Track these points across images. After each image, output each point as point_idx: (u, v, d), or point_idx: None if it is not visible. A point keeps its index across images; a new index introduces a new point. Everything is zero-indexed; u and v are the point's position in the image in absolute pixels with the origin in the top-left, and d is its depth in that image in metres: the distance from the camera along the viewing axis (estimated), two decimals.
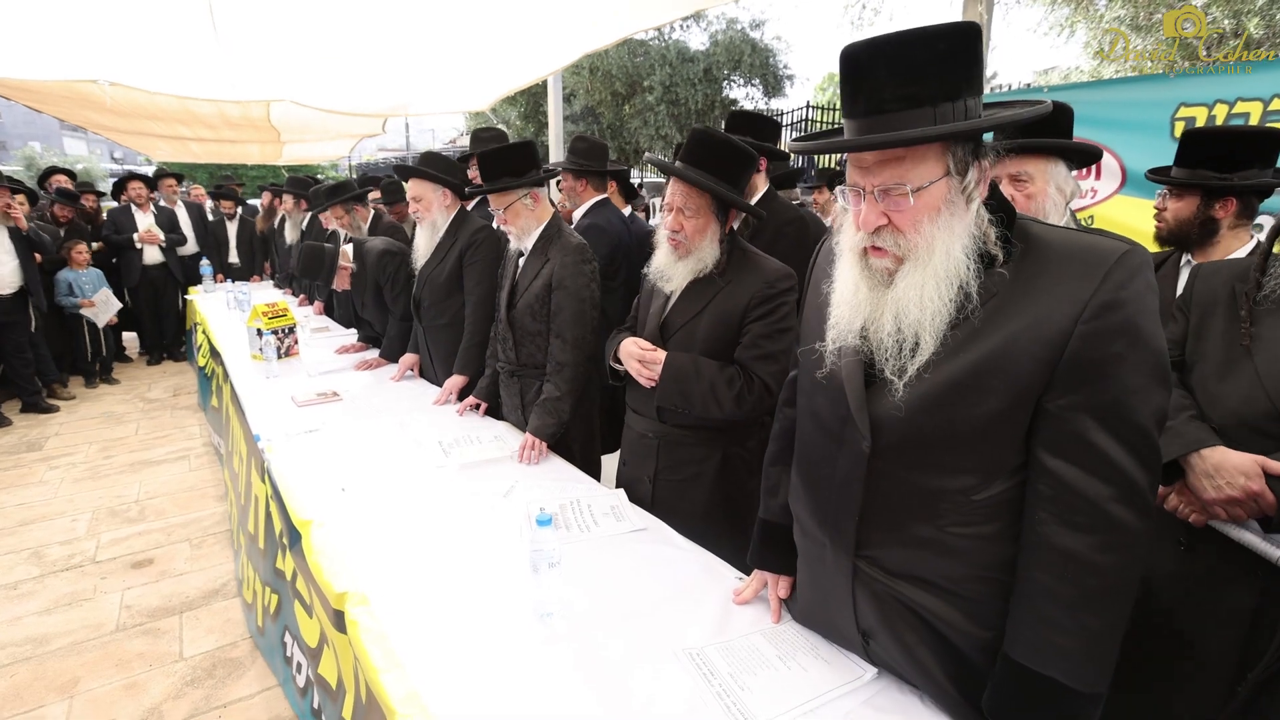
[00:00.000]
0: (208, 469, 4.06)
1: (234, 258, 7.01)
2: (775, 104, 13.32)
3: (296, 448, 2.27)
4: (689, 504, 1.92)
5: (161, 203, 6.84)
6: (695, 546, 1.69)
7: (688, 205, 1.78)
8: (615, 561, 1.61)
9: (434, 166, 2.80)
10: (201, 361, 4.72)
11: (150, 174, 7.15)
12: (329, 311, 4.93)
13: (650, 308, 1.97)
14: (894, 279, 1.03)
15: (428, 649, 1.30)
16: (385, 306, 3.44)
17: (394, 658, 1.27)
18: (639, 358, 1.86)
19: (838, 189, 1.10)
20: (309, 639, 1.78)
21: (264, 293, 5.88)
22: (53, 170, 6.66)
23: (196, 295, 5.89)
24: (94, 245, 6.00)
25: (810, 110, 12.56)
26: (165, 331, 6.74)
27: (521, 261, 2.40)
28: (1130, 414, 0.93)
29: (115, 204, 6.93)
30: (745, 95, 13.14)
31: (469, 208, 3.08)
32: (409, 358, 3.16)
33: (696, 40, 12.94)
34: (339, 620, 1.45)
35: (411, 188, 2.79)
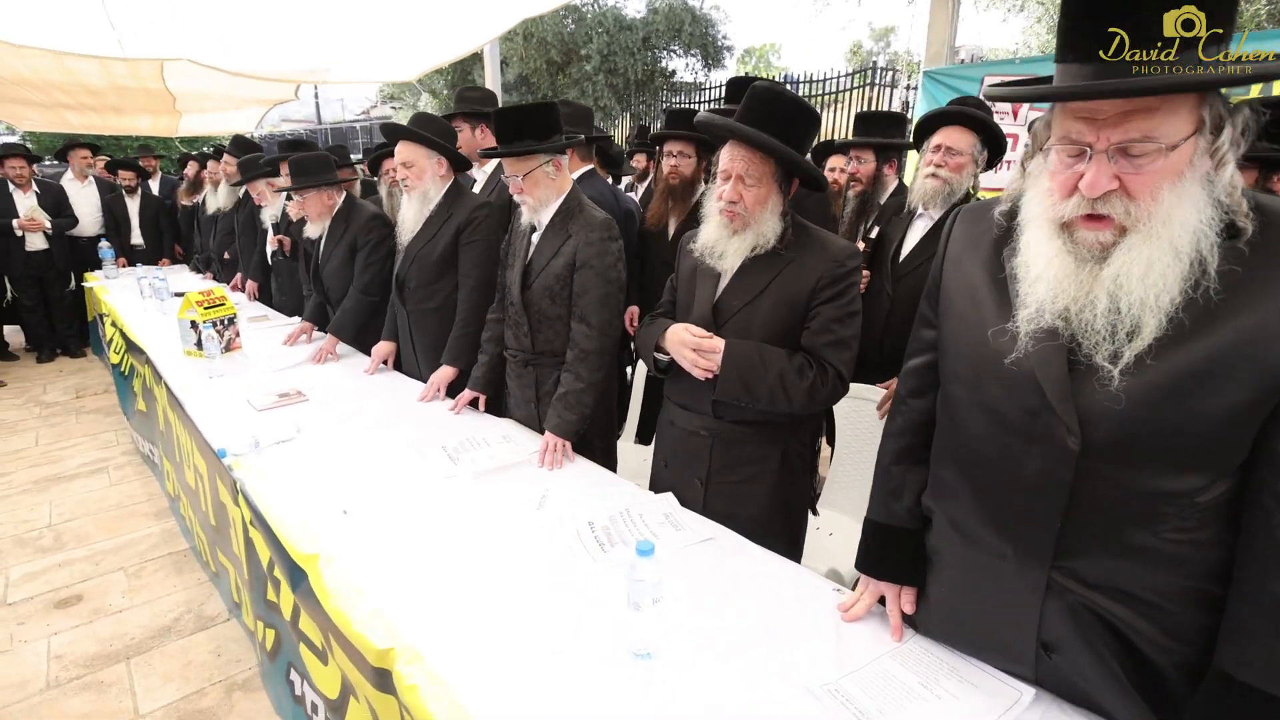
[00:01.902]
0: (136, 481, 3.55)
1: (137, 239, 6.21)
2: (715, 76, 13.14)
3: (271, 462, 1.92)
4: (748, 508, 1.73)
5: (66, 177, 5.94)
6: (774, 555, 1.51)
7: (750, 172, 1.57)
8: (693, 580, 1.41)
9: (428, 130, 2.44)
10: (115, 358, 4.12)
11: (23, 144, 6.18)
12: (264, 296, 4.42)
13: (698, 289, 1.74)
14: (1109, 253, 0.86)
15: (506, 706, 1.07)
16: (350, 273, 3.07)
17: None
18: (693, 346, 1.64)
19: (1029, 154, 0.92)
20: (325, 688, 1.48)
21: (181, 278, 5.23)
22: None
23: (97, 282, 5.17)
24: None
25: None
26: (56, 325, 5.91)
27: (536, 238, 2.11)
28: None
29: None
30: (685, 66, 12.88)
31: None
32: (383, 347, 2.80)
33: (633, 7, 12.53)
34: (383, 680, 1.18)
35: (402, 152, 2.43)
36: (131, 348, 3.54)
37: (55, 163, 7.00)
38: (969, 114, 2.19)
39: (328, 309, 3.27)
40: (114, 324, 4.12)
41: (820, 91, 9.33)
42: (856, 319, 1.60)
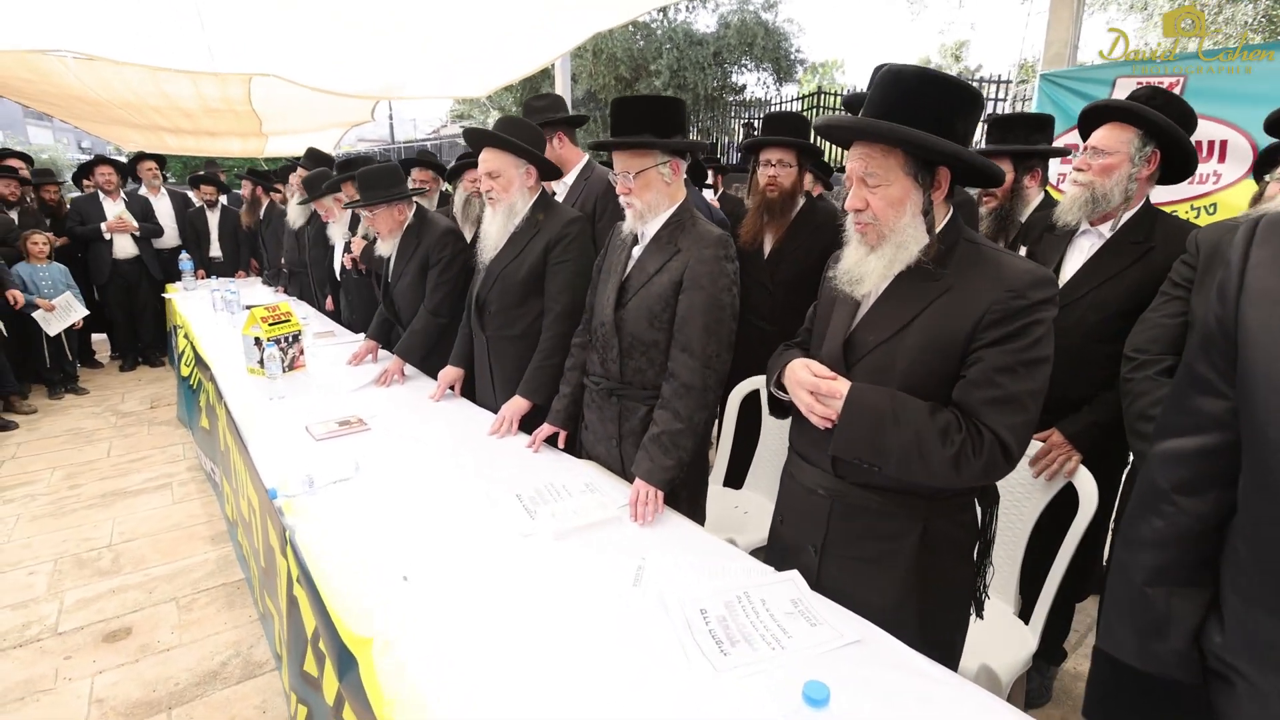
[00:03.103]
0: (196, 500, 3.44)
1: (216, 251, 6.31)
2: (787, 90, 12.77)
3: (326, 506, 1.68)
4: (871, 593, 1.36)
5: (141, 190, 6.12)
6: (951, 675, 1.15)
7: (871, 170, 1.24)
8: (851, 711, 1.06)
9: (517, 134, 2.21)
10: (185, 371, 4.08)
11: (123, 160, 6.40)
12: (335, 313, 4.32)
13: (833, 318, 1.41)
14: None
15: None
16: (423, 291, 2.87)
17: None
18: (810, 387, 1.30)
19: None
20: None
21: (253, 291, 5.24)
22: (3, 153, 5.89)
23: (176, 294, 5.23)
24: (56, 241, 5.28)
25: (823, 96, 12.03)
26: (141, 333, 6.04)
27: (638, 251, 1.83)
28: None
29: (79, 193, 6.22)
30: (756, 80, 12.56)
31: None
32: (450, 372, 2.57)
33: (703, 22, 12.33)
34: None
35: (487, 160, 2.19)
36: (199, 361, 3.45)
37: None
38: (1125, 107, 1.79)
39: (397, 327, 3.09)
40: (186, 335, 4.09)
41: None
42: (1038, 371, 1.20)
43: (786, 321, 2.57)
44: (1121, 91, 4.00)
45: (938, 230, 1.27)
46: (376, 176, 2.81)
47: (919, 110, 1.19)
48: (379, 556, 1.47)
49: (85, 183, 6.07)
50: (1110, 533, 1.99)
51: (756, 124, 12.81)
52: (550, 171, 2.35)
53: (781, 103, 11.33)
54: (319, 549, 1.50)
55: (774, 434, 2.50)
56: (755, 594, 1.34)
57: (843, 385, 1.28)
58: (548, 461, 1.99)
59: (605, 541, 1.56)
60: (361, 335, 3.66)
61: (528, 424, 2.19)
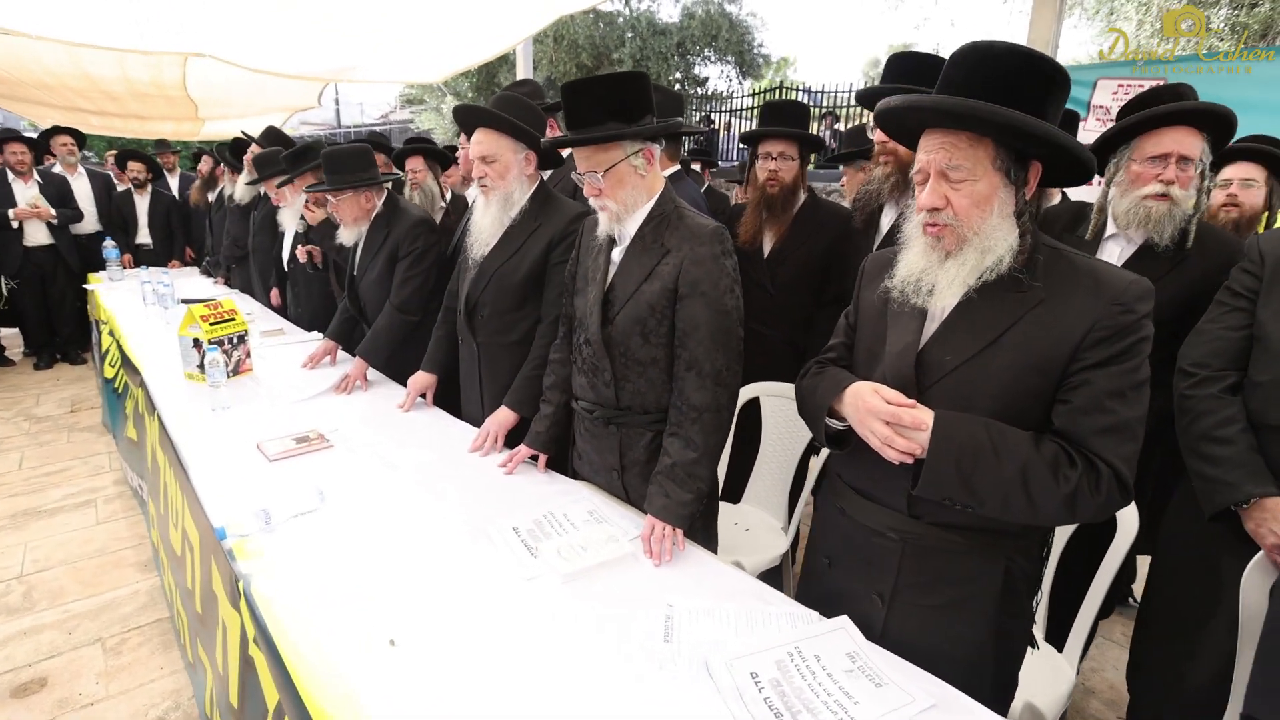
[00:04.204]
0: (122, 519, 3.07)
1: (144, 238, 5.78)
2: (749, 84, 12.67)
3: (287, 548, 1.43)
4: (944, 642, 1.21)
5: (56, 168, 5.52)
6: None
7: (955, 162, 1.08)
8: None
9: (517, 115, 1.95)
10: (110, 372, 3.66)
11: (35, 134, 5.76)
12: (281, 307, 3.95)
13: (890, 333, 1.24)
14: None
15: None
16: (388, 287, 2.60)
17: None
18: (888, 417, 1.12)
19: None
20: None
21: (189, 282, 4.79)
22: None
23: (99, 284, 4.74)
24: None
25: (784, 92, 12.01)
26: (58, 328, 5.48)
27: (618, 254, 1.61)
28: None
29: None
30: (720, 73, 12.42)
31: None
32: (422, 379, 2.31)
33: (665, 12, 12.11)
34: None
35: (482, 142, 1.92)
36: (127, 363, 3.07)
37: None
38: (1205, 111, 1.67)
39: (363, 326, 2.80)
40: (111, 332, 3.67)
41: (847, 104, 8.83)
42: (1144, 394, 1.07)
43: (787, 326, 2.42)
44: (1104, 93, 4.00)
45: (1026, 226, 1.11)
46: (345, 159, 2.51)
47: (1016, 94, 1.03)
48: (357, 613, 1.23)
49: None
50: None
51: (714, 119, 12.69)
52: (551, 158, 2.11)
53: (742, 96, 11.23)
54: (282, 604, 1.25)
55: (774, 444, 2.34)
56: (807, 649, 1.16)
57: (926, 414, 1.10)
58: (541, 485, 1.78)
59: (622, 584, 1.35)
60: (314, 334, 3.35)
61: (512, 439, 1.96)
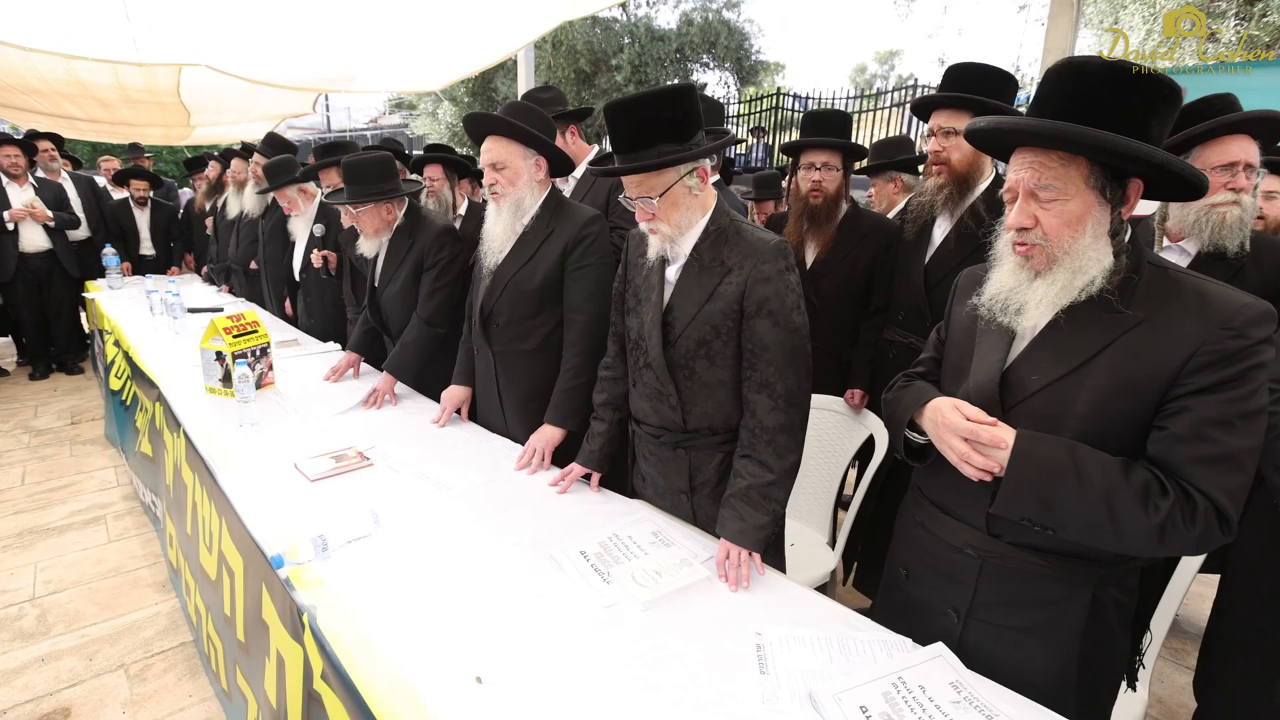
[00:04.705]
0: (135, 536, 2.97)
1: (147, 249, 5.65)
2: (749, 92, 12.70)
3: (346, 576, 1.36)
4: (1025, 667, 1.18)
5: (38, 173, 5.38)
6: None
7: (1044, 182, 1.05)
8: None
9: (528, 122, 1.91)
10: (116, 384, 3.56)
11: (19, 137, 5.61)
12: (293, 318, 3.87)
13: (978, 349, 1.21)
14: None
15: None
16: (415, 298, 2.53)
17: None
18: (967, 434, 1.10)
19: None
20: None
21: (192, 289, 4.69)
22: None
23: (99, 293, 4.62)
24: None
25: (782, 98, 12.04)
26: (55, 337, 5.34)
27: (673, 274, 1.56)
28: None
29: None
30: (718, 80, 12.42)
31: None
32: (457, 394, 2.25)
33: (664, 18, 12.11)
34: None
35: (492, 150, 1.89)
36: (138, 375, 2.98)
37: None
38: (1271, 119, 1.66)
39: (385, 339, 2.73)
40: (116, 343, 3.57)
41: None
42: (1257, 424, 1.01)
43: (830, 339, 2.38)
44: None
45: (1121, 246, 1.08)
46: (366, 169, 2.45)
47: (1112, 111, 0.99)
48: (434, 646, 1.17)
49: None
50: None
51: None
52: (562, 165, 2.07)
53: (738, 102, 11.25)
54: (353, 638, 1.18)
55: (818, 458, 2.30)
56: (910, 679, 1.12)
57: (1007, 433, 1.07)
58: (597, 504, 1.72)
59: (702, 610, 1.30)
60: (331, 344, 3.28)
61: (560, 457, 1.91)
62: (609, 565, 1.42)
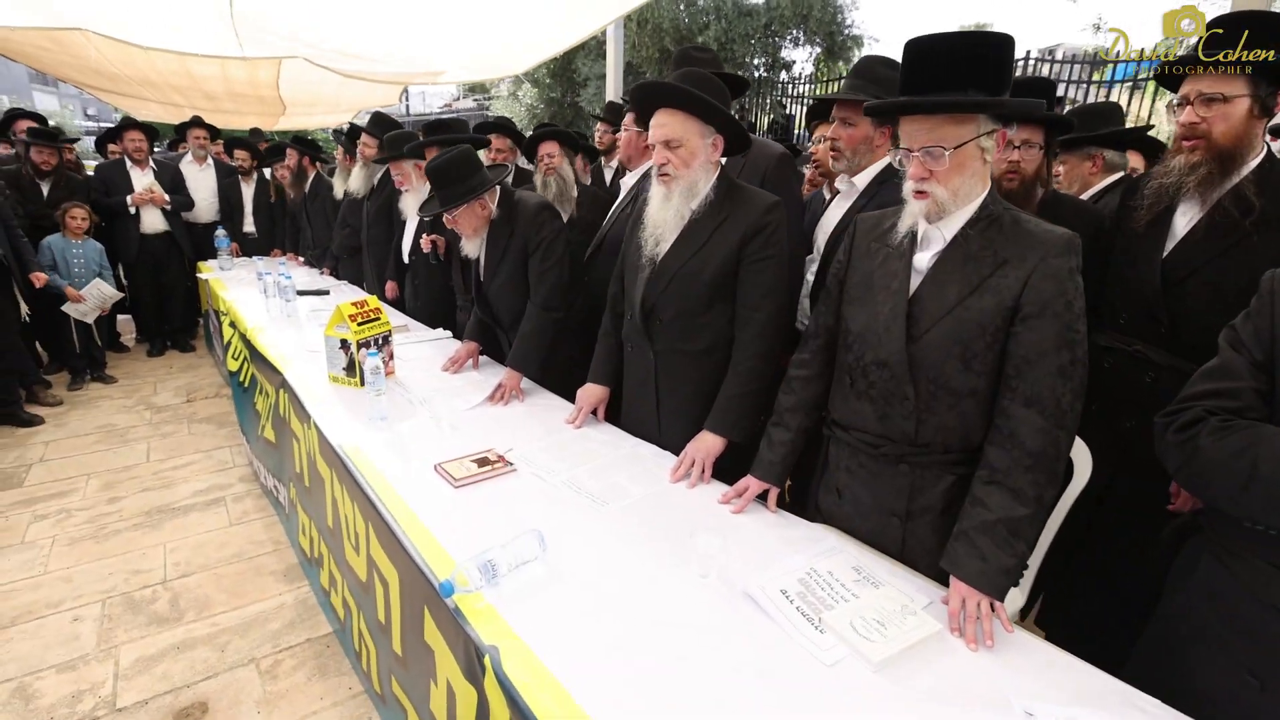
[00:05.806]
0: (256, 520, 2.98)
1: (249, 226, 5.80)
2: (836, 70, 12.04)
3: (520, 608, 1.21)
4: None
5: (187, 159, 5.59)
6: None
7: None
8: None
9: (706, 92, 1.68)
10: (233, 365, 3.60)
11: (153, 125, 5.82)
12: (397, 301, 3.82)
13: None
14: None
15: None
16: (524, 286, 2.39)
17: None
18: None
19: None
20: None
21: (297, 272, 4.74)
22: (17, 114, 5.31)
23: (210, 274, 4.74)
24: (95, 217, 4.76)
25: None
26: (169, 315, 5.55)
27: (925, 259, 1.33)
28: None
29: (100, 160, 5.68)
30: (808, 56, 11.82)
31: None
32: (594, 393, 2.08)
33: None
34: None
35: (665, 125, 1.68)
36: (257, 358, 2.97)
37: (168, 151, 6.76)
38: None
39: (498, 332, 2.61)
40: (232, 324, 3.61)
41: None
42: None
43: None
44: None
45: None
46: (450, 169, 2.26)
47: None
48: (633, 703, 1.00)
49: (111, 148, 5.55)
50: None
51: (788, 107, 11.92)
52: (740, 141, 1.83)
53: (829, 81, 10.64)
54: (541, 686, 1.02)
55: None
56: None
57: None
58: (777, 528, 1.51)
59: (943, 674, 1.08)
60: (441, 330, 3.19)
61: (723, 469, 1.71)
62: (818, 610, 1.21)
